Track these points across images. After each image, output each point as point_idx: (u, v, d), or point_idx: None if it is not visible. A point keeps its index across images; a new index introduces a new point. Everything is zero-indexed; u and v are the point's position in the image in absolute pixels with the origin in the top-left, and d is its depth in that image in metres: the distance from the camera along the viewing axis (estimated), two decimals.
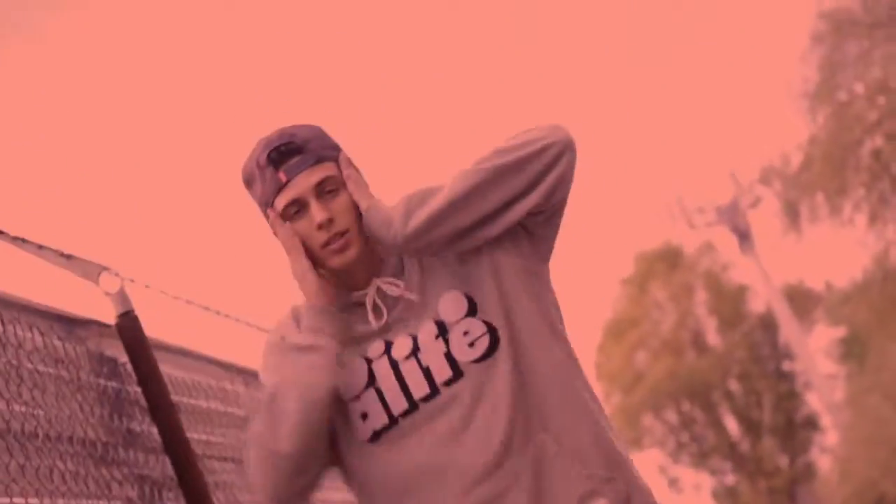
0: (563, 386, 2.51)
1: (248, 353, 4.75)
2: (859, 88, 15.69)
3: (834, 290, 42.00)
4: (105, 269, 3.87)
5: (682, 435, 38.11)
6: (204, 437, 4.12)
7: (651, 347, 38.19)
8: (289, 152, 2.50)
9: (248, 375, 4.87)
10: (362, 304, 2.58)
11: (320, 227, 2.48)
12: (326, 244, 2.49)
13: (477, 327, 2.49)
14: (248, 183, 2.58)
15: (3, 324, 3.11)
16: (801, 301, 40.03)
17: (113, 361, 3.74)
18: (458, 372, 2.47)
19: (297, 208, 2.50)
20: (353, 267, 2.56)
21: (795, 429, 39.55)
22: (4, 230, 3.56)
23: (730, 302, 38.71)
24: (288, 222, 2.51)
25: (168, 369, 3.99)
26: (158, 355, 3.90)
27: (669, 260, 38.75)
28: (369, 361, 2.55)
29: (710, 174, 45.05)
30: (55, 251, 3.77)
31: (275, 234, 2.57)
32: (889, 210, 15.79)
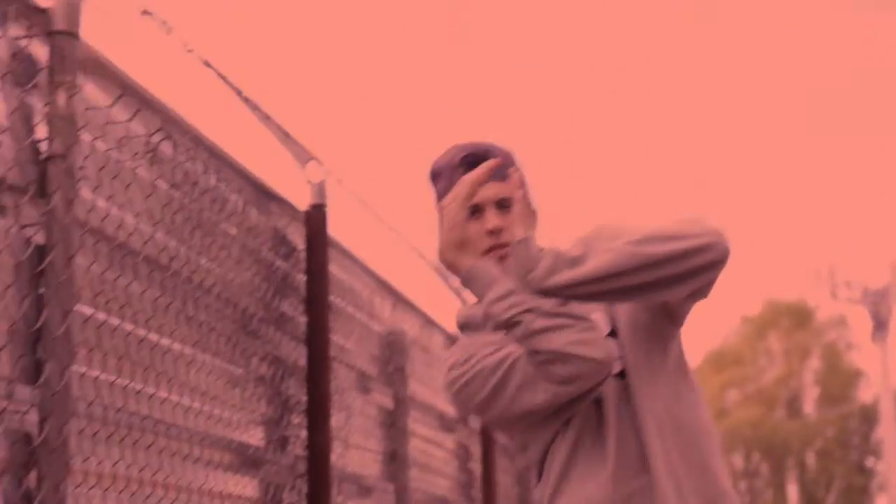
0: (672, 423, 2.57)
1: (408, 278, 4.87)
2: None
3: None
4: (314, 158, 3.99)
5: (741, 483, 37.67)
6: (341, 340, 4.25)
7: (746, 391, 37.72)
8: (483, 161, 2.63)
9: (398, 299, 5.00)
10: None
11: (490, 232, 2.61)
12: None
13: (616, 348, 2.58)
14: (435, 176, 2.71)
15: (209, 178, 3.21)
16: None
17: (292, 246, 3.87)
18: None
19: (473, 211, 2.63)
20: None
21: None
22: (242, 91, 3.69)
23: (841, 380, 37.98)
24: None
25: (334, 268, 4.12)
26: (331, 252, 4.04)
27: (798, 317, 38.08)
28: None
29: (872, 256, 43.96)
30: (279, 126, 3.89)
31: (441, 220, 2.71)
32: None
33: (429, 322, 5.50)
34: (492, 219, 2.60)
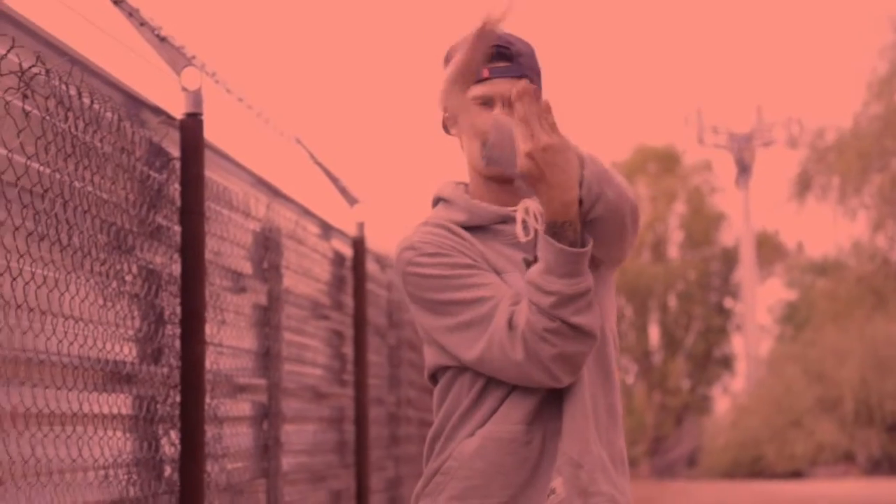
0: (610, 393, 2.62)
1: (288, 172, 4.83)
2: None
3: (803, 256, 42.42)
4: (192, 63, 3.90)
5: None
6: (217, 245, 4.22)
7: None
8: (501, 56, 2.60)
9: (275, 194, 4.96)
10: (505, 222, 2.63)
11: None
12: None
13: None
14: (449, 60, 2.63)
15: (67, 88, 3.12)
16: (769, 251, 40.40)
17: (168, 156, 3.80)
18: None
19: (483, 102, 2.58)
20: (506, 184, 2.61)
21: (710, 362, 40.38)
22: None
23: (704, 224, 38.96)
24: None
25: (210, 173, 4.07)
26: (208, 156, 3.98)
27: (665, 162, 38.79)
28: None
29: (738, 102, 44.76)
30: (154, 29, 3.78)
31: (445, 123, 2.69)
32: (895, 225, 15.93)
33: (305, 213, 5.49)
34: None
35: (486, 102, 2.58)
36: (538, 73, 2.67)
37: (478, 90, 2.59)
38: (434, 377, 2.65)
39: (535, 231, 2.50)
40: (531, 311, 2.42)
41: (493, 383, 2.53)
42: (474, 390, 2.55)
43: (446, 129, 2.72)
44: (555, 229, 2.41)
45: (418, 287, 2.54)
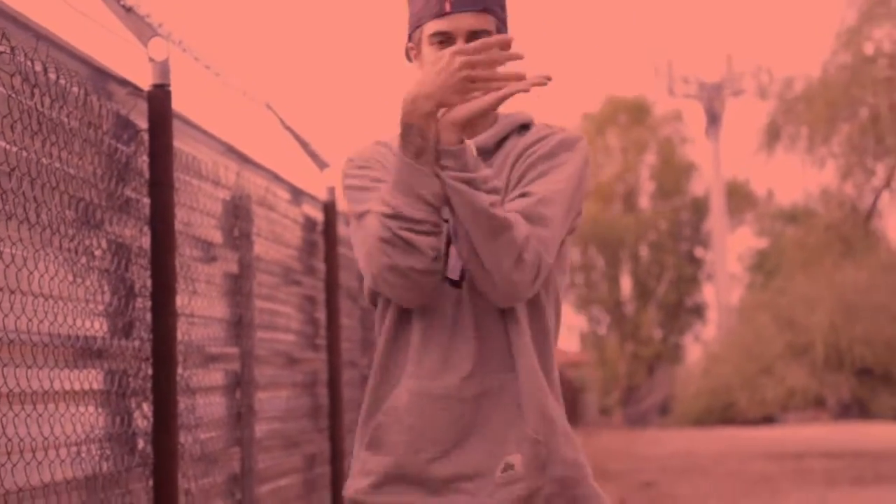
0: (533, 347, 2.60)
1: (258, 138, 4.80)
2: (886, 46, 15.63)
3: (773, 204, 42.60)
4: (159, 33, 3.86)
5: (577, 276, 38.86)
6: (186, 216, 4.20)
7: None
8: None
9: (245, 161, 4.94)
10: None
11: None
12: None
13: None
14: None
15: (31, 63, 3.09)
16: (739, 200, 40.57)
17: (136, 129, 3.77)
18: None
19: (442, 40, 2.52)
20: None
21: (682, 311, 40.62)
22: None
23: (674, 174, 39.06)
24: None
25: (178, 143, 4.05)
26: (176, 125, 3.95)
27: (636, 113, 38.78)
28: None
29: (707, 52, 44.82)
30: (120, 2, 3.74)
31: (409, 52, 2.63)
32: (863, 173, 15.99)
33: (276, 178, 5.46)
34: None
35: (447, 39, 2.52)
36: (502, 6, 2.60)
37: (439, 24, 2.53)
38: (373, 298, 2.62)
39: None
40: (375, 218, 2.41)
41: (415, 314, 2.51)
42: (395, 321, 2.53)
43: (409, 57, 2.66)
44: (402, 132, 2.39)
45: (346, 196, 2.58)
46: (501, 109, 2.56)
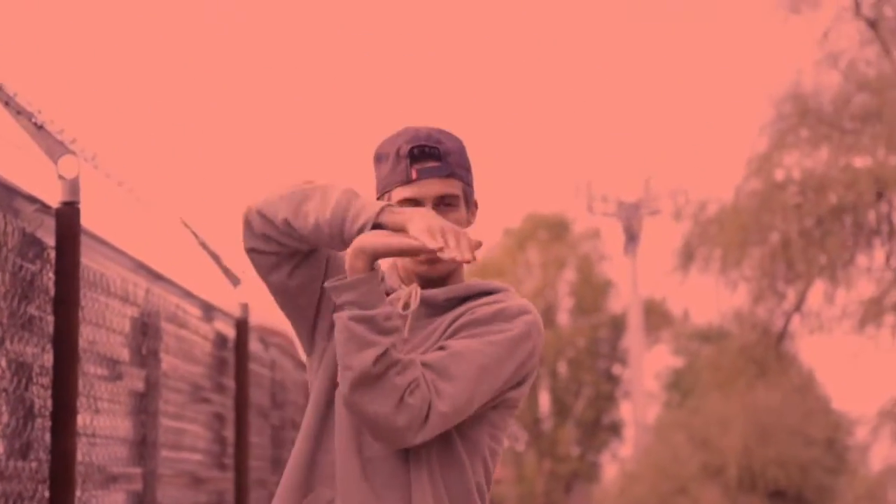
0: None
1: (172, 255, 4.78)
2: (796, 174, 16.00)
3: (689, 324, 43.02)
4: (69, 151, 3.84)
5: None
6: (92, 334, 4.15)
7: None
8: (429, 155, 2.55)
9: (156, 277, 4.91)
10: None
11: None
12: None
13: None
14: (379, 160, 2.62)
15: None
16: (657, 319, 40.92)
17: (42, 246, 3.73)
18: None
19: (411, 206, 2.53)
20: (430, 283, 2.61)
21: (599, 429, 40.61)
22: None
23: (593, 291, 39.36)
24: None
25: (87, 260, 4.01)
26: (85, 242, 3.92)
27: (555, 230, 39.17)
28: None
29: (626, 172, 45.84)
30: (31, 116, 3.73)
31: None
32: (774, 296, 16.23)
33: (187, 295, 5.43)
34: None
35: (415, 206, 2.54)
36: (467, 169, 2.64)
37: (406, 192, 2.56)
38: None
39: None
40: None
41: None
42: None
43: None
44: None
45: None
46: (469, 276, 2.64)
